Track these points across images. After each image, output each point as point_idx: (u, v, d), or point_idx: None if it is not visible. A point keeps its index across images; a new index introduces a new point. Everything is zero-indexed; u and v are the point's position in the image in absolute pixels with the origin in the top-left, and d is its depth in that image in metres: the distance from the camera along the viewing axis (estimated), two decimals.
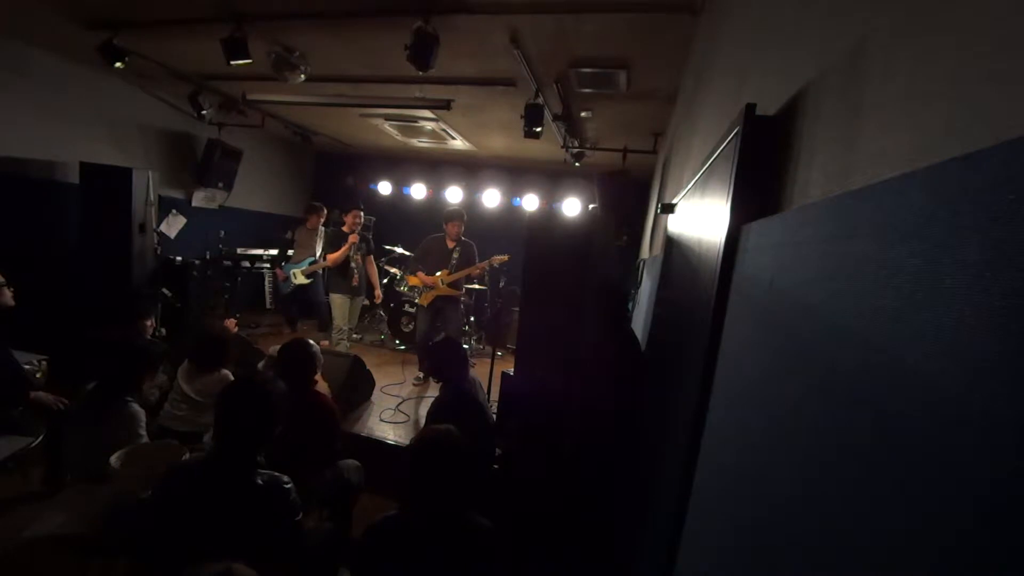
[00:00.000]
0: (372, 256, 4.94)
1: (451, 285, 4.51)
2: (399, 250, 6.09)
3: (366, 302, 5.03)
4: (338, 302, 4.72)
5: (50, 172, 4.36)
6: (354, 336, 4.88)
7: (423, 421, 3.76)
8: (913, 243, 0.45)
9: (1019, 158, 0.34)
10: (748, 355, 0.88)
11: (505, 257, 4.74)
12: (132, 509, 1.82)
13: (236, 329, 4.19)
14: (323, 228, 5.25)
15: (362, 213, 4.79)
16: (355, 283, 4.68)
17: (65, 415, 2.55)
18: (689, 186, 1.87)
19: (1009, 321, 0.33)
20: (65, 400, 2.66)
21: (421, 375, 4.61)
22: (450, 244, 4.52)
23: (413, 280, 4.70)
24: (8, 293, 2.75)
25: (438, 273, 4.49)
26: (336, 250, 4.62)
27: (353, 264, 4.66)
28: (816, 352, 0.62)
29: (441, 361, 2.84)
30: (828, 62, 0.80)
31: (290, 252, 5.22)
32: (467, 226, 4.58)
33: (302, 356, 2.41)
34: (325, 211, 5.35)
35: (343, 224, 4.74)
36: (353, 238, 4.62)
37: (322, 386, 2.88)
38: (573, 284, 2.98)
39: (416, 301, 4.85)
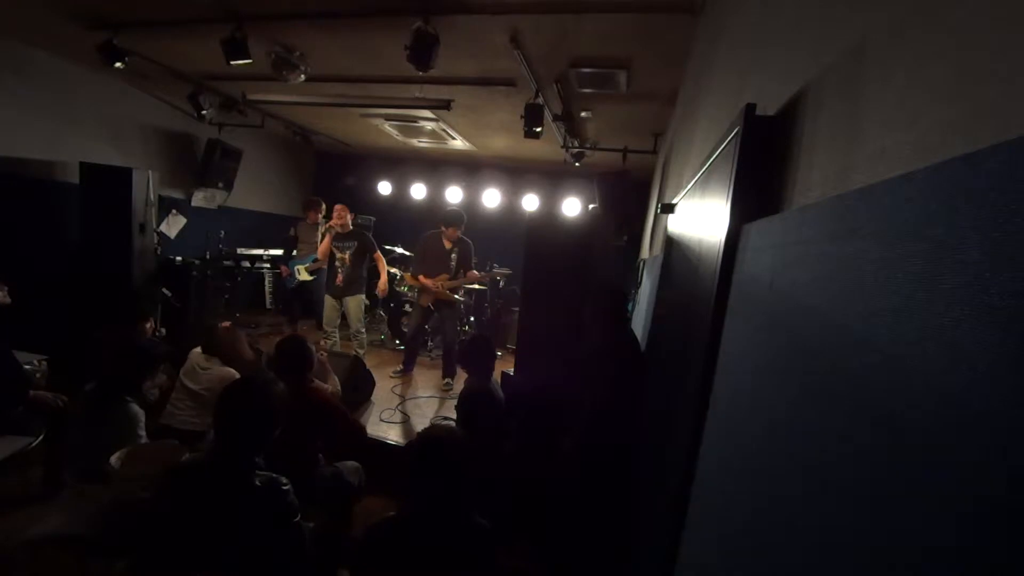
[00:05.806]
0: (379, 253, 4.83)
1: (451, 290, 4.55)
2: (399, 250, 6.08)
3: (367, 301, 4.99)
4: (327, 303, 4.73)
5: (50, 172, 4.35)
6: (361, 334, 4.82)
7: (423, 421, 3.78)
8: (913, 243, 0.45)
9: (1019, 158, 0.34)
10: (748, 355, 0.88)
11: (507, 271, 4.90)
12: (132, 509, 1.82)
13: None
14: (324, 221, 5.22)
15: (340, 208, 4.69)
16: (338, 282, 4.61)
17: (65, 415, 2.55)
18: (689, 186, 1.87)
19: (1009, 321, 0.32)
20: (65, 398, 2.66)
21: (401, 368, 4.68)
22: (447, 244, 4.55)
23: (412, 280, 4.71)
24: (3, 290, 2.75)
25: (438, 277, 4.51)
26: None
27: (338, 263, 4.61)
28: (816, 352, 0.62)
29: (478, 354, 2.83)
30: (828, 62, 0.80)
31: (295, 252, 5.22)
32: (467, 227, 4.61)
33: (298, 352, 2.39)
34: (323, 205, 5.33)
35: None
36: (329, 227, 4.64)
37: (333, 382, 2.89)
38: (573, 284, 2.98)
39: (417, 301, 4.86)
